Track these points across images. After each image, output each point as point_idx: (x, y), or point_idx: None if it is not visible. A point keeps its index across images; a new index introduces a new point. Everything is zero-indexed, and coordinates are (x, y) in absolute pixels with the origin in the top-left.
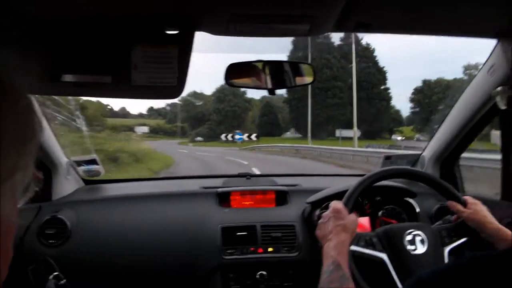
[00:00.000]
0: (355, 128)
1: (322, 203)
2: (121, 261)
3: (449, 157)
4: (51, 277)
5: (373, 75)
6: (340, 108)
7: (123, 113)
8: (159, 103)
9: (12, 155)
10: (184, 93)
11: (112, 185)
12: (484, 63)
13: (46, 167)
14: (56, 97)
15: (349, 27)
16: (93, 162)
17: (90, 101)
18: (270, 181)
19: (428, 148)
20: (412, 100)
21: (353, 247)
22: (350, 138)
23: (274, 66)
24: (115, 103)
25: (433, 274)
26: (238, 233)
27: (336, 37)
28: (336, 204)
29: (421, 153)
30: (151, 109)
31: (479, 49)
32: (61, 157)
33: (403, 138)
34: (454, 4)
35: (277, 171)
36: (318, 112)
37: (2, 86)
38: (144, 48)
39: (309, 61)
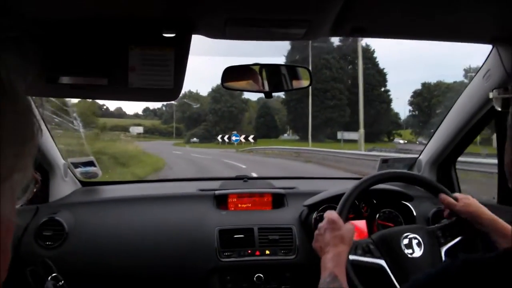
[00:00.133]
0: (362, 130)
1: (319, 206)
2: (118, 263)
3: (445, 160)
4: (49, 278)
5: (373, 76)
6: (339, 110)
7: (119, 113)
8: (156, 104)
9: (11, 156)
10: (181, 94)
11: (110, 187)
12: (480, 68)
13: (43, 168)
14: (53, 98)
15: (345, 32)
16: (90, 164)
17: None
18: (267, 183)
19: (425, 151)
20: (411, 103)
21: (352, 256)
22: (353, 141)
23: (271, 70)
24: (111, 103)
25: (428, 277)
26: (235, 236)
27: (335, 38)
28: (331, 215)
29: (418, 157)
30: (147, 110)
31: (481, 52)
32: (59, 158)
33: (406, 141)
34: (450, 10)
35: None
36: (316, 114)
37: (1, 85)
38: (141, 51)
39: (310, 61)
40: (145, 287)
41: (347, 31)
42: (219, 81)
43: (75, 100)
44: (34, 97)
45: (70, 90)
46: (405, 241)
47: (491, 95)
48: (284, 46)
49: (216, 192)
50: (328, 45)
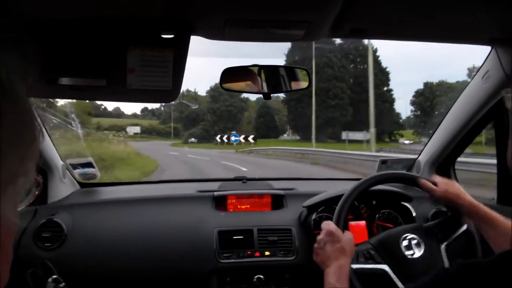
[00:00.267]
0: (373, 129)
1: (319, 207)
2: (117, 265)
3: (444, 161)
4: (49, 280)
5: (376, 75)
6: (341, 110)
7: (117, 113)
8: (154, 104)
9: (14, 159)
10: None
11: (108, 188)
12: (479, 69)
13: (42, 170)
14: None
15: (344, 33)
16: (89, 165)
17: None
18: (266, 184)
19: (424, 152)
20: (413, 103)
21: (354, 265)
22: (357, 141)
23: (270, 71)
24: (109, 103)
25: (423, 285)
26: (234, 237)
27: None
28: (328, 227)
29: (417, 158)
30: (145, 110)
31: (485, 52)
32: (57, 160)
33: (411, 141)
34: (449, 11)
35: None
36: (318, 113)
37: (1, 86)
38: (140, 52)
39: (313, 61)
40: None
41: (347, 32)
42: (217, 80)
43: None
44: (33, 99)
45: (69, 91)
46: (405, 243)
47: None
48: (282, 47)
49: (215, 193)
50: (330, 45)
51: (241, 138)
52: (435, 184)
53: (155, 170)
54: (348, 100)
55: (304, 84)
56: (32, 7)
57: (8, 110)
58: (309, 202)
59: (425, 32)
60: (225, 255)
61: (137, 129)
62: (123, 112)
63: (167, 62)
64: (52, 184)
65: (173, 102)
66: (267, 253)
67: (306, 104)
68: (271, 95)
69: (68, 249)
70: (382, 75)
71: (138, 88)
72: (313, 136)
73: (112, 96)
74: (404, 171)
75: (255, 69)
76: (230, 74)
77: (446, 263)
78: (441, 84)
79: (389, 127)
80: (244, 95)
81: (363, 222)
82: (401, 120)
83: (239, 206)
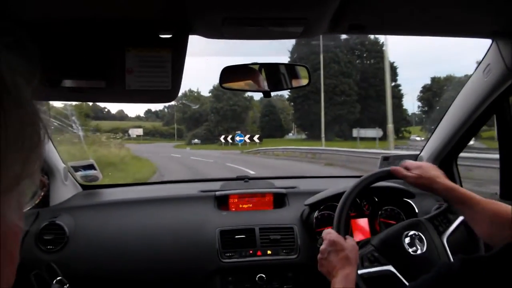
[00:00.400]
0: (391, 125)
1: (321, 205)
2: (119, 266)
3: (447, 157)
4: (54, 282)
5: (383, 70)
6: (349, 107)
7: (121, 116)
8: (158, 105)
9: (18, 162)
10: (180, 93)
11: (110, 190)
12: (480, 63)
13: (43, 172)
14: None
15: (342, 29)
16: (90, 167)
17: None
18: (268, 183)
19: (426, 148)
20: (420, 99)
21: (360, 271)
22: (369, 139)
23: (270, 69)
24: (113, 106)
25: (424, 284)
26: (236, 236)
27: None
28: (330, 236)
29: (419, 154)
30: (149, 112)
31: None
32: (59, 162)
33: (423, 138)
34: (448, 5)
35: None
36: (325, 110)
37: (5, 88)
38: (138, 52)
39: (321, 55)
40: None
41: (345, 28)
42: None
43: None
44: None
45: (69, 93)
46: (407, 240)
47: None
48: (287, 44)
49: (217, 193)
50: (334, 41)
51: (246, 138)
52: (407, 169)
53: (151, 177)
54: (356, 96)
55: (304, 82)
56: (28, 9)
57: (13, 114)
58: (311, 200)
59: (425, 26)
60: (228, 254)
61: (139, 131)
62: (126, 115)
63: (165, 62)
64: (54, 186)
65: (175, 103)
66: (269, 252)
67: (313, 101)
68: (273, 93)
69: (71, 251)
70: (390, 70)
71: (137, 88)
72: (323, 135)
73: (112, 98)
74: (377, 170)
75: (256, 67)
76: (230, 73)
77: (451, 257)
78: (449, 79)
79: (397, 123)
80: (248, 93)
81: (365, 220)
82: (407, 117)
83: (241, 206)
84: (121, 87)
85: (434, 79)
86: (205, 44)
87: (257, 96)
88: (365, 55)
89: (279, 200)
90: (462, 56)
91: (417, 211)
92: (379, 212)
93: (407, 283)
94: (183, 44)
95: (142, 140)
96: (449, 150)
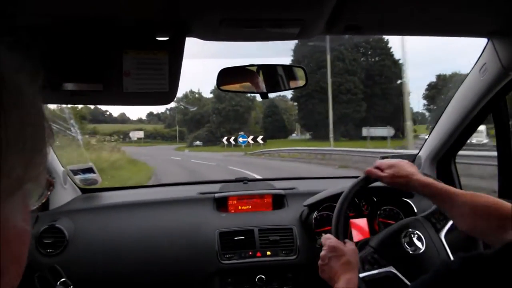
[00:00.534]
0: (409, 122)
1: (319, 206)
2: (119, 269)
3: (445, 156)
4: (58, 283)
5: (389, 68)
6: (355, 105)
7: (122, 119)
8: (160, 108)
9: (20, 165)
10: (180, 94)
11: (109, 193)
12: (476, 62)
13: None
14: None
15: (339, 30)
16: (89, 170)
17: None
18: (267, 185)
19: (424, 147)
20: (426, 97)
21: (362, 274)
22: (379, 138)
23: (268, 70)
24: (115, 109)
25: (425, 284)
26: (236, 238)
27: None
28: (329, 242)
29: (418, 153)
30: (151, 114)
31: None
32: (58, 166)
33: None
34: (445, 5)
35: None
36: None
37: (4, 85)
38: (135, 55)
39: (328, 54)
40: None
41: (341, 29)
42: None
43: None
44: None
45: (66, 96)
46: (406, 239)
47: None
48: (290, 44)
49: (216, 195)
50: (341, 39)
51: (250, 139)
52: (380, 169)
53: (146, 183)
54: (362, 95)
55: (301, 83)
56: (25, 11)
57: (13, 112)
58: (310, 200)
59: (421, 26)
60: (227, 256)
61: (140, 134)
62: (128, 118)
63: (162, 64)
64: (53, 190)
65: (176, 105)
66: (268, 253)
67: (317, 100)
68: (275, 94)
69: (70, 254)
70: (395, 67)
71: (134, 91)
72: (331, 134)
73: (110, 100)
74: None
75: (253, 69)
76: (227, 75)
77: (450, 255)
78: (455, 76)
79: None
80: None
81: (364, 220)
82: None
83: (240, 207)
84: (119, 90)
85: (439, 76)
86: (208, 46)
87: (259, 96)
88: (369, 52)
89: (278, 201)
90: (466, 53)
91: (416, 210)
92: (378, 212)
93: (409, 283)
94: (180, 46)
95: (143, 142)
96: (447, 149)
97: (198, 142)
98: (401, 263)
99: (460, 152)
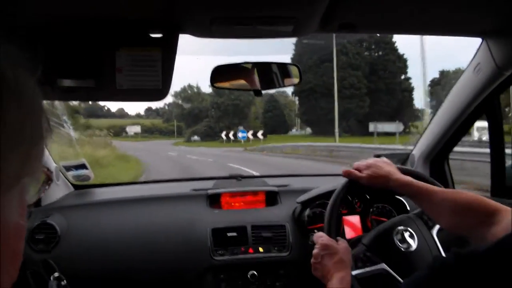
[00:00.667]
0: (427, 116)
1: (312, 203)
2: (112, 265)
3: (438, 154)
4: (52, 278)
5: (393, 63)
6: (358, 100)
7: (121, 114)
8: (158, 103)
9: (17, 159)
10: (178, 88)
11: (102, 190)
12: (470, 62)
13: None
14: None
15: (333, 28)
16: (82, 167)
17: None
18: (261, 182)
19: (418, 146)
20: (429, 93)
21: (354, 272)
22: (388, 134)
23: (262, 68)
24: (113, 104)
25: (419, 280)
26: (228, 234)
27: None
28: (322, 240)
29: (411, 151)
30: (149, 109)
31: None
32: (50, 162)
33: None
34: (439, 4)
35: None
36: (331, 105)
37: (5, 82)
38: (128, 52)
39: (334, 47)
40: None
41: (335, 27)
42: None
43: None
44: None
45: (60, 93)
46: (398, 237)
47: None
48: (291, 40)
49: (209, 191)
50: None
51: (249, 134)
52: (358, 170)
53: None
54: (365, 89)
55: (296, 80)
56: (23, 12)
57: (12, 107)
58: (303, 197)
59: (415, 25)
60: (219, 252)
61: (137, 129)
62: (127, 113)
63: (155, 61)
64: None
65: (173, 100)
66: (261, 249)
67: (319, 95)
68: (275, 90)
69: (62, 250)
70: (400, 62)
71: (128, 88)
72: (336, 129)
73: (103, 97)
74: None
75: (248, 66)
76: (222, 72)
77: (442, 252)
78: (458, 72)
79: (409, 118)
80: None
81: (357, 217)
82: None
83: (233, 204)
84: (112, 86)
85: (442, 72)
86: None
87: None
88: (373, 46)
89: (271, 198)
90: (469, 50)
91: (408, 208)
92: (371, 210)
93: (401, 280)
94: (173, 43)
95: (140, 137)
96: (441, 147)
97: (196, 137)
98: (394, 260)
99: (471, 150)
